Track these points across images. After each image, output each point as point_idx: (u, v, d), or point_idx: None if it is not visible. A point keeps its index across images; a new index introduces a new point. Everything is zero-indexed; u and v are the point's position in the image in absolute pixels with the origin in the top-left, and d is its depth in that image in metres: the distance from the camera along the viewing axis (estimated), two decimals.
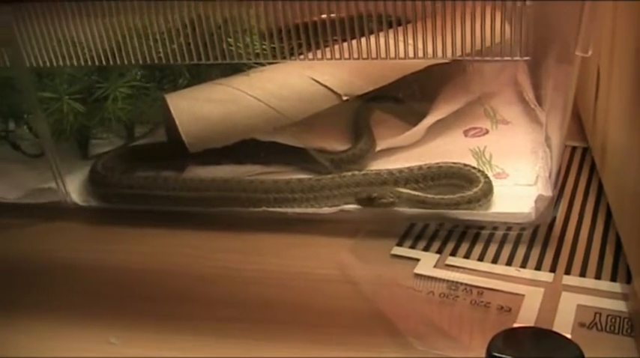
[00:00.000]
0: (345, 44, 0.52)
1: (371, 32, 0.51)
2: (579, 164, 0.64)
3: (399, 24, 0.51)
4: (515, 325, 0.47)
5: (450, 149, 0.66)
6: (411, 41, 0.51)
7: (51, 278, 0.58)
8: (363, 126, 0.68)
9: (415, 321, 0.48)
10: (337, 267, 0.55)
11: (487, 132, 0.69)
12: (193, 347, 0.48)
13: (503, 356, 0.43)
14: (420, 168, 0.60)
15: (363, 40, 0.52)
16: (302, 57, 0.54)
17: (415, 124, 0.68)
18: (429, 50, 0.51)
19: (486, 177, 0.58)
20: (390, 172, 0.60)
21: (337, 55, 0.53)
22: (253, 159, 0.65)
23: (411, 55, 0.52)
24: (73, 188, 0.65)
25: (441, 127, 0.69)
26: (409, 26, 0.51)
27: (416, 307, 0.50)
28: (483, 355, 0.43)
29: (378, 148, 0.66)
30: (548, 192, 0.55)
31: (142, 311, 0.53)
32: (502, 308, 0.49)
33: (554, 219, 0.57)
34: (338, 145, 0.66)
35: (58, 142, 0.66)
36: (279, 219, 0.60)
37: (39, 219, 0.65)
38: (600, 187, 0.60)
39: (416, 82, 0.68)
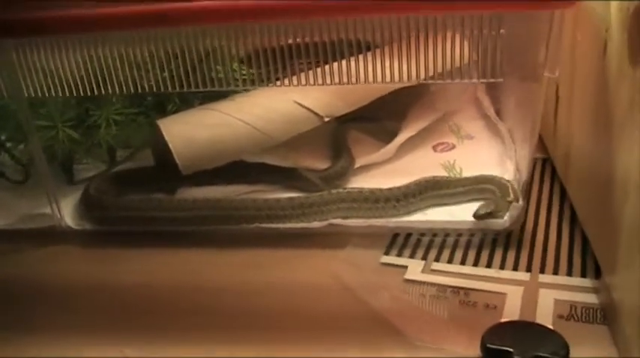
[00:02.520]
0: (326, 68, 0.56)
1: (349, 56, 0.55)
2: (541, 173, 0.70)
3: (369, 49, 0.55)
4: (503, 320, 0.52)
5: (423, 164, 0.71)
6: (387, 65, 0.56)
7: (54, 301, 0.59)
8: (341, 145, 0.73)
9: (412, 321, 0.53)
10: (332, 276, 0.59)
11: (454, 146, 0.74)
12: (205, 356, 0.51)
13: (497, 347, 0.48)
14: (398, 188, 0.64)
15: (343, 64, 0.55)
16: (283, 83, 0.58)
17: (388, 142, 0.73)
18: (404, 74, 0.55)
19: None
20: (371, 191, 0.64)
21: (320, 81, 0.57)
22: (241, 179, 0.69)
23: (388, 78, 0.56)
24: (66, 212, 0.68)
25: (411, 144, 0.74)
26: (385, 51, 0.55)
27: (411, 308, 0.54)
28: (477, 347, 0.48)
29: (356, 165, 0.71)
30: (520, 201, 0.60)
31: (150, 327, 0.55)
32: (488, 306, 0.54)
33: (523, 224, 0.63)
34: (319, 164, 0.71)
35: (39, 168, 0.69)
36: (272, 235, 0.64)
37: (33, 244, 0.67)
38: (562, 193, 0.66)
39: (386, 102, 0.72)
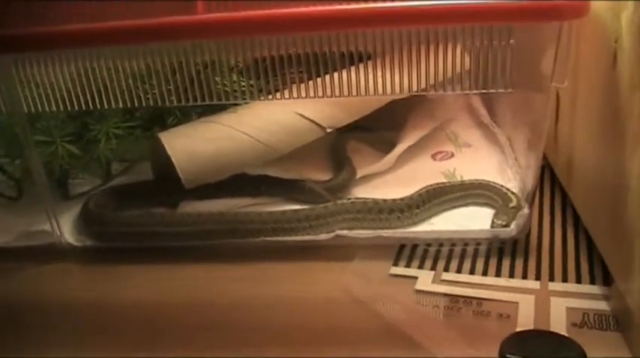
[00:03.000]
0: (326, 80, 0.55)
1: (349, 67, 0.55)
2: (541, 181, 0.71)
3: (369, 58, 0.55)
4: (518, 329, 0.52)
5: (423, 172, 0.72)
6: (388, 76, 0.56)
7: (55, 319, 0.58)
8: (342, 156, 0.72)
9: (428, 332, 0.53)
10: (341, 289, 0.58)
11: (453, 155, 0.75)
12: None
13: (515, 356, 0.48)
14: (402, 198, 0.64)
15: (344, 76, 0.55)
16: (283, 95, 0.58)
17: (387, 152, 0.73)
18: (406, 84, 0.55)
19: None
20: (375, 201, 0.64)
21: (320, 93, 0.56)
22: (242, 192, 0.68)
23: (389, 90, 0.56)
24: (65, 229, 0.66)
25: (410, 153, 0.74)
26: (387, 62, 0.55)
27: (425, 320, 0.54)
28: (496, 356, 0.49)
29: (357, 176, 0.71)
30: (526, 209, 0.61)
31: (155, 344, 0.54)
32: (501, 315, 0.54)
33: (528, 232, 0.63)
34: (321, 175, 0.70)
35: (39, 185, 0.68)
36: (278, 248, 0.63)
37: (32, 262, 0.65)
38: (564, 200, 0.67)
39: (383, 112, 0.72)
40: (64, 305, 0.60)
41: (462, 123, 0.80)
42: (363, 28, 0.53)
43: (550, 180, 0.71)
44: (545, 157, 0.71)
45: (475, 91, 0.56)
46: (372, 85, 0.56)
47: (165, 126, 0.68)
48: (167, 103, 0.58)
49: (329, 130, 0.67)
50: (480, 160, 0.73)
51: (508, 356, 0.48)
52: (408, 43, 0.53)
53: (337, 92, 0.56)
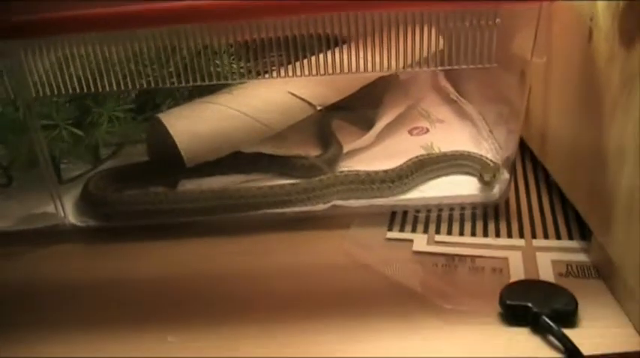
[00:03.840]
0: (312, 60, 0.59)
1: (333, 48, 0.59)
2: None
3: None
4: (513, 280, 0.58)
5: (403, 146, 0.76)
6: (370, 57, 0.60)
7: (61, 299, 0.60)
8: (328, 133, 0.77)
9: (432, 287, 0.58)
10: (344, 254, 0.63)
11: (428, 130, 0.80)
12: (235, 338, 0.54)
13: (516, 303, 0.53)
14: (392, 169, 0.69)
15: (330, 56, 0.59)
16: (272, 75, 0.62)
17: (368, 129, 0.78)
18: (392, 62, 0.60)
19: None
20: (367, 173, 0.69)
21: (306, 72, 0.60)
22: (237, 169, 0.72)
23: (377, 68, 0.60)
24: (67, 210, 0.68)
25: (389, 129, 0.79)
26: (369, 43, 0.60)
27: (427, 277, 0.59)
28: (494, 306, 0.54)
29: (344, 151, 0.75)
30: (506, 175, 0.67)
31: (165, 318, 0.57)
32: (495, 269, 0.60)
33: (508, 197, 0.69)
34: (310, 151, 0.74)
35: (30, 169, 0.69)
36: (278, 220, 0.67)
37: (36, 244, 0.67)
38: (535, 167, 0.73)
39: (363, 93, 0.77)
40: (70, 284, 0.62)
41: (432, 100, 0.85)
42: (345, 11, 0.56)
43: (520, 150, 0.77)
44: None
45: (464, 66, 0.60)
46: (356, 64, 0.60)
47: (158, 109, 0.70)
48: (163, 85, 0.60)
49: (319, 108, 0.71)
50: (453, 134, 0.79)
51: (508, 302, 0.54)
52: (394, 24, 0.58)
53: (325, 71, 0.60)
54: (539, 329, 0.52)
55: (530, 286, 0.56)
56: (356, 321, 0.55)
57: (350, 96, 0.74)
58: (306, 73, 0.60)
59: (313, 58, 0.60)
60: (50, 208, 0.68)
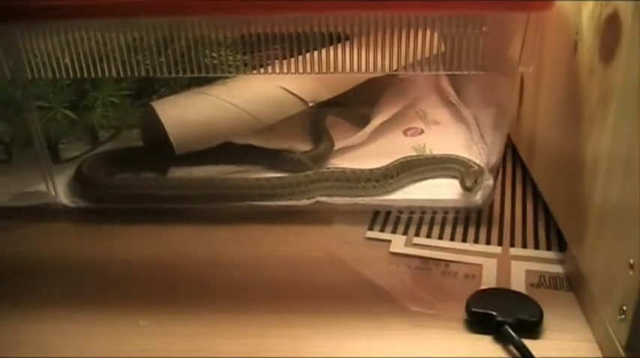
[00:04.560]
0: (307, 57, 0.60)
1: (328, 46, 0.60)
2: (504, 158, 0.77)
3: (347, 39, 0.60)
4: (483, 287, 0.58)
5: (395, 146, 0.77)
6: (365, 56, 0.61)
7: (53, 276, 0.62)
8: (321, 129, 0.78)
9: (403, 289, 0.58)
10: (323, 249, 0.64)
11: (422, 131, 0.81)
12: (212, 323, 0.55)
13: (482, 310, 0.54)
14: (378, 168, 0.70)
15: (324, 54, 0.60)
16: (267, 70, 0.63)
17: (362, 126, 0.78)
18: (382, 64, 0.60)
19: None
20: (353, 171, 0.70)
21: (301, 69, 0.61)
22: (227, 160, 0.73)
23: (368, 69, 0.61)
24: (59, 190, 0.70)
25: (383, 128, 0.79)
26: (362, 43, 0.60)
27: (400, 278, 0.60)
28: (462, 311, 0.55)
29: (335, 147, 0.76)
30: (491, 181, 0.67)
31: (147, 300, 0.58)
32: (467, 275, 0.60)
33: (492, 203, 0.69)
34: (301, 146, 0.75)
35: (28, 147, 0.71)
36: (263, 212, 0.68)
37: (25, 221, 0.69)
38: (524, 176, 0.73)
39: (359, 90, 0.77)
40: (59, 262, 0.64)
41: (430, 102, 0.86)
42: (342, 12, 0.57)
43: (512, 157, 0.77)
44: (509, 137, 0.78)
45: (450, 72, 0.61)
46: (350, 64, 0.60)
47: (155, 96, 0.72)
48: (159, 74, 0.62)
49: (311, 104, 0.71)
50: (447, 137, 0.79)
51: (473, 309, 0.54)
52: (390, 26, 0.58)
53: (319, 69, 0.61)
54: (502, 337, 0.52)
55: (498, 294, 0.57)
56: (323, 317, 0.56)
57: (346, 92, 0.75)
58: (301, 70, 0.61)
59: (308, 55, 0.61)
60: (43, 187, 0.69)
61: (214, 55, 0.64)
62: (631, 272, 0.46)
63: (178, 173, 0.72)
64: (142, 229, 0.67)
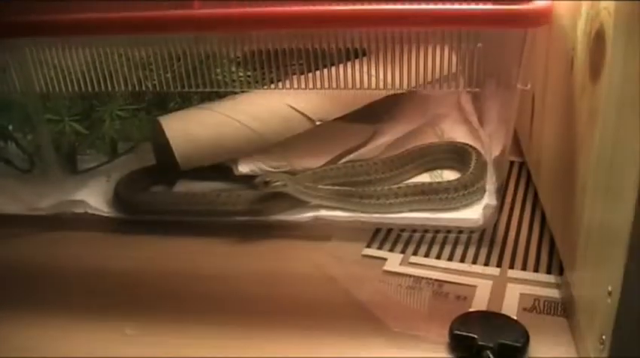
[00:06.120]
0: (317, 74, 0.60)
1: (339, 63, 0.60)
2: (517, 176, 0.75)
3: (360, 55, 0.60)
4: (471, 310, 0.56)
5: None
6: (374, 73, 0.60)
7: (49, 282, 0.65)
8: None
9: (390, 309, 0.57)
10: (315, 266, 0.63)
11: None
12: (194, 335, 0.56)
13: (463, 333, 0.52)
14: (381, 188, 0.69)
15: (334, 70, 0.60)
16: (277, 86, 0.63)
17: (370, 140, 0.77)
18: (394, 81, 0.60)
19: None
20: (356, 188, 0.69)
21: (311, 85, 0.61)
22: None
23: (381, 86, 0.61)
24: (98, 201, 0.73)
25: (397, 144, 0.78)
26: (376, 60, 0.60)
27: (389, 298, 0.59)
28: (446, 334, 0.53)
29: (343, 160, 0.75)
30: (494, 201, 0.65)
31: (145, 310, 0.60)
32: (459, 297, 0.59)
33: (497, 222, 0.67)
34: (314, 162, 0.74)
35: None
36: (263, 226, 0.69)
37: (50, 228, 0.72)
38: (535, 196, 0.71)
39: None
40: (56, 268, 0.67)
41: (449, 120, 0.84)
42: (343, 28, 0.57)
43: (526, 177, 0.75)
44: (522, 155, 0.76)
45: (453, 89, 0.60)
46: (361, 81, 0.60)
47: (166, 111, 0.73)
48: (170, 89, 0.63)
49: (318, 123, 0.71)
50: None
51: (456, 332, 0.53)
52: (385, 41, 0.58)
53: (331, 86, 0.61)
54: None
55: (485, 318, 0.55)
56: (306, 334, 0.55)
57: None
58: (312, 86, 0.61)
59: (321, 72, 0.61)
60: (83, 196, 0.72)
61: (218, 71, 0.64)
62: (609, 300, 0.44)
63: (184, 187, 0.73)
64: (141, 239, 0.69)
